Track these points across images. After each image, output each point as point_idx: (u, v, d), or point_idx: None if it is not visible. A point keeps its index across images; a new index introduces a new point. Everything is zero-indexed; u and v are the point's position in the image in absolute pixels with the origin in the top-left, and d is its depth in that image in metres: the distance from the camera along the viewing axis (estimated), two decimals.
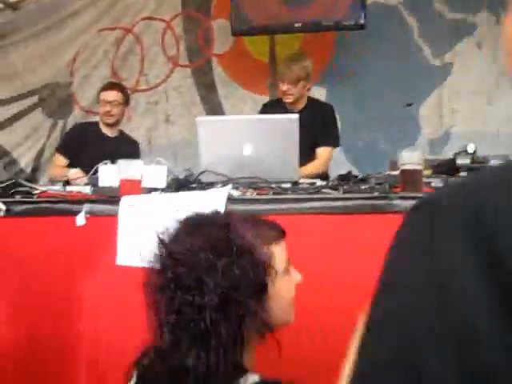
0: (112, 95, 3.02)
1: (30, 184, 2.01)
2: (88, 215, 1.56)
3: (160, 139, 4.32)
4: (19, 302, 1.59)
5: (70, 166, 2.92)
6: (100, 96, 3.10)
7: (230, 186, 1.60)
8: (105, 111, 3.01)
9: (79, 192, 1.94)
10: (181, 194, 1.55)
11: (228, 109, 4.21)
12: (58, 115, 4.46)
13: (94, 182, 1.97)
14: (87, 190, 1.99)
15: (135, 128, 4.32)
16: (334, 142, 2.99)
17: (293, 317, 0.99)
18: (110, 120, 3.03)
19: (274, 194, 1.63)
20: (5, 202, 1.68)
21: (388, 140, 4.03)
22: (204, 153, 1.77)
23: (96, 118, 3.40)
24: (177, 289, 0.86)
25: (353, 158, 4.06)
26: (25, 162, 4.52)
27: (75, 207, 1.60)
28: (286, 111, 2.88)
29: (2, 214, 1.65)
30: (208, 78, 4.23)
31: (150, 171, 1.86)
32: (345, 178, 3.89)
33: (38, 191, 1.92)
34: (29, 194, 1.89)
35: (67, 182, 2.61)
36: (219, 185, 1.73)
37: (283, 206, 1.47)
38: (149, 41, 4.31)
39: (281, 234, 1.00)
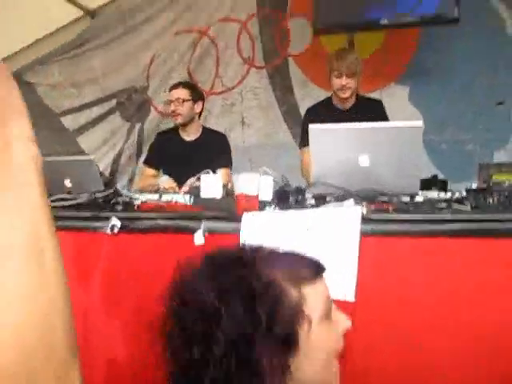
0: (175, 93, 2.87)
1: (129, 193, 2.01)
2: (206, 233, 1.52)
3: (235, 142, 4.26)
4: (136, 322, 1.58)
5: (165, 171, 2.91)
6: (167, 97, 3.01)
7: (351, 201, 1.51)
8: (170, 110, 2.89)
9: (177, 202, 1.92)
10: (308, 211, 1.47)
11: (305, 110, 4.09)
12: (136, 119, 4.54)
13: (194, 192, 1.93)
14: (187, 199, 1.97)
15: None
16: None
17: (334, 375, 0.79)
18: (178, 120, 2.87)
19: (398, 210, 1.54)
20: (119, 218, 1.68)
21: (477, 141, 3.80)
22: (315, 163, 1.69)
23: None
24: (182, 338, 0.73)
25: (437, 160, 3.85)
26: (103, 165, 4.63)
27: (192, 224, 1.56)
28: (336, 111, 2.85)
29: (116, 230, 1.65)
30: (284, 79, 4.16)
31: (252, 180, 1.81)
32: (430, 184, 3.74)
33: (138, 201, 1.91)
34: (129, 204, 1.89)
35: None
36: (332, 198, 1.65)
37: (418, 228, 1.37)
38: (224, 42, 4.28)
39: (317, 271, 0.81)
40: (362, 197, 1.59)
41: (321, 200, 1.69)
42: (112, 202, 1.89)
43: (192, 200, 1.85)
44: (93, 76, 4.63)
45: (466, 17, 3.36)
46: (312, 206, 1.60)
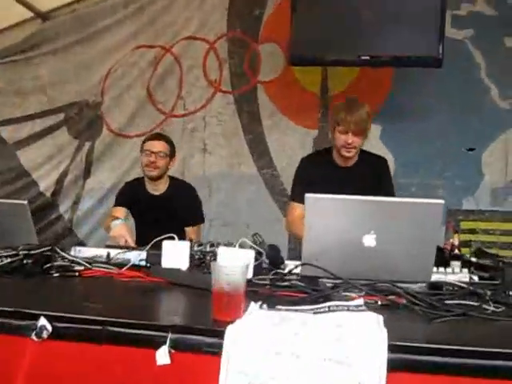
0: (158, 145, 2.74)
1: (69, 256, 1.64)
2: (173, 350, 1.00)
3: (195, 169, 3.97)
4: None
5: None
6: (144, 146, 2.77)
7: (361, 301, 1.22)
8: (149, 161, 2.68)
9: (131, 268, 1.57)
10: (316, 318, 1.14)
11: (272, 141, 3.86)
12: (85, 136, 4.12)
13: (153, 260, 1.60)
14: (141, 259, 1.65)
15: None
16: (394, 195, 2.60)
17: None
18: (154, 172, 2.71)
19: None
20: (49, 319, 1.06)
21: (446, 187, 3.69)
22: (309, 237, 1.41)
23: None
24: None
25: None
26: (45, 184, 4.18)
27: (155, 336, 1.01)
28: (335, 168, 2.50)
29: (45, 335, 1.05)
30: (252, 107, 3.89)
31: (232, 256, 1.51)
32: None
33: (81, 268, 1.56)
34: (68, 270, 1.54)
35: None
36: (325, 285, 1.37)
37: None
38: (189, 62, 3.96)
39: None
40: (367, 288, 1.32)
41: (313, 285, 1.40)
42: (45, 266, 1.53)
43: (153, 271, 1.53)
44: (39, 85, 4.17)
45: (443, 59, 3.24)
46: (313, 301, 1.27)
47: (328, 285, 1.39)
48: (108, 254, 1.75)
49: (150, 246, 1.64)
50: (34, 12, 3.99)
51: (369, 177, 2.46)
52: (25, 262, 1.52)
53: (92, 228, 4.13)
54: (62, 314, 1.04)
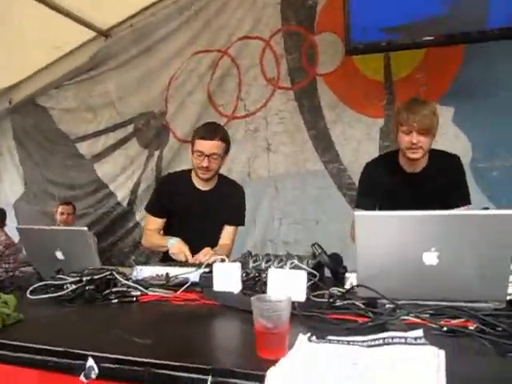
0: (212, 147, 2.32)
1: (128, 281, 1.67)
2: None
3: (260, 170, 3.95)
4: None
5: (166, 226, 2.51)
6: (195, 144, 2.35)
7: (420, 331, 1.10)
8: (201, 166, 2.34)
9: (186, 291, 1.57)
10: (371, 351, 1.07)
11: (336, 134, 3.73)
12: (154, 146, 4.26)
13: (205, 283, 1.57)
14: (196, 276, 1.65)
15: (233, 158, 4.00)
16: (468, 201, 2.33)
17: None
18: (207, 175, 2.39)
19: None
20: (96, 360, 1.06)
21: None
22: (363, 258, 1.32)
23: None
24: None
25: (488, 189, 3.42)
26: (121, 194, 4.39)
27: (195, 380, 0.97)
28: (402, 174, 2.29)
29: (93, 376, 1.05)
30: (313, 101, 3.78)
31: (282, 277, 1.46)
32: None
33: (138, 293, 1.58)
34: (126, 296, 1.57)
35: (166, 257, 2.29)
36: (385, 310, 1.27)
37: None
38: (246, 62, 3.94)
39: None
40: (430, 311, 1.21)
41: (372, 307, 1.30)
42: (105, 292, 1.58)
43: (205, 294, 1.52)
44: (108, 100, 4.39)
45: None
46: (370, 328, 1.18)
47: (388, 305, 1.29)
48: (167, 274, 1.78)
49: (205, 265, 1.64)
50: (96, 31, 4.16)
51: (439, 182, 2.23)
52: (87, 288, 1.58)
53: None
54: (108, 355, 1.06)
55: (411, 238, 1.28)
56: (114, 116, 4.40)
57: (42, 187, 4.87)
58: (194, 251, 2.18)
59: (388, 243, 1.30)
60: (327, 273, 2.07)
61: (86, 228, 1.85)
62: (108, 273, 1.66)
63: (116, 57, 4.28)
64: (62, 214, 4.15)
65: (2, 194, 5.01)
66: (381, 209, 2.34)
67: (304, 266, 1.52)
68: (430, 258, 1.27)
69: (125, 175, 4.38)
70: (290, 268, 1.51)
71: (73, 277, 1.67)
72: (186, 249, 2.16)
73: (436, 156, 2.30)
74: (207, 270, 1.63)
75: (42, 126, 4.69)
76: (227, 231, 2.48)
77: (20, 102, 4.67)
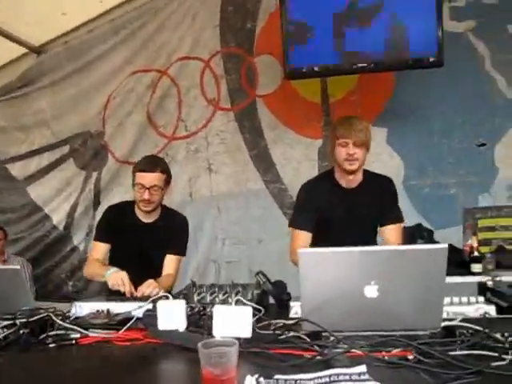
0: (152, 179, 2.32)
1: (66, 324, 1.59)
2: None
3: (202, 190, 3.94)
4: None
5: (112, 259, 2.49)
6: (136, 177, 2.34)
7: (364, 367, 1.13)
8: (143, 199, 2.32)
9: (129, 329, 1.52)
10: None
11: (277, 154, 3.80)
12: (92, 167, 4.13)
13: (149, 321, 1.53)
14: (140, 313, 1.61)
15: (175, 179, 3.94)
16: (401, 219, 2.46)
17: None
18: (149, 208, 2.37)
19: None
20: None
21: (460, 185, 3.57)
22: (306, 293, 1.35)
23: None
24: None
25: (420, 206, 3.61)
26: (58, 217, 4.21)
27: None
28: (339, 190, 2.39)
29: None
30: (253, 122, 3.83)
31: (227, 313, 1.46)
32: (415, 234, 3.47)
33: (77, 336, 1.52)
34: (64, 339, 1.50)
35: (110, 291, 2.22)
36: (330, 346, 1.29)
37: None
38: (186, 83, 3.93)
39: None
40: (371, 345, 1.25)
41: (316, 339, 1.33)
42: (41, 336, 1.50)
43: (151, 332, 1.49)
44: (42, 119, 4.21)
45: (444, 55, 3.11)
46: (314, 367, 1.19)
47: (332, 338, 1.32)
48: (108, 311, 1.72)
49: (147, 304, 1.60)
50: (27, 47, 4.00)
51: (374, 198, 2.36)
52: (21, 332, 1.50)
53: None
54: None
55: (353, 272, 1.33)
56: (47, 136, 4.23)
57: None
58: (140, 283, 2.13)
59: (331, 278, 1.33)
60: (272, 299, 2.10)
61: (18, 267, 1.76)
62: (44, 314, 1.58)
63: (49, 74, 4.12)
64: None
65: None
66: (317, 225, 2.41)
67: (248, 303, 1.52)
68: (371, 291, 1.32)
69: (61, 197, 4.20)
70: (236, 304, 1.51)
71: (5, 319, 1.58)
72: (126, 279, 2.10)
73: (370, 175, 2.44)
74: (150, 306, 1.60)
75: None
76: (170, 261, 2.45)
77: None
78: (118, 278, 2.13)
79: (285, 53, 3.18)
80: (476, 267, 3.21)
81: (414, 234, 3.44)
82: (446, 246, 1.28)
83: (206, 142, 3.91)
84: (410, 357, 1.22)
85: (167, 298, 1.56)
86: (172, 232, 2.45)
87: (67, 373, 1.28)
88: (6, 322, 1.56)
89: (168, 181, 2.44)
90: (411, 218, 3.56)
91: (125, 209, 2.51)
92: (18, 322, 1.55)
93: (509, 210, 3.48)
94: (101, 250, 2.47)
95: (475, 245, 3.24)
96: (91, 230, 4.17)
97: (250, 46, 3.83)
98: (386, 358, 1.22)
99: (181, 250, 2.50)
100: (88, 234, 4.14)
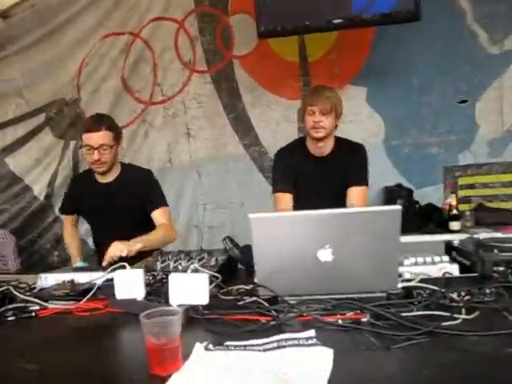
0: (98, 138, 2.26)
1: (25, 296, 1.57)
2: None
3: (182, 156, 3.88)
4: None
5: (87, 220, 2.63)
6: (83, 139, 2.29)
7: (313, 332, 1.13)
8: (93, 160, 2.29)
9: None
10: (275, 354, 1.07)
11: (255, 117, 3.73)
12: (69, 135, 4.04)
13: (107, 292, 1.53)
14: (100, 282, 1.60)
15: (154, 145, 3.90)
16: (364, 182, 2.43)
17: None
18: (102, 168, 2.34)
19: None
20: None
21: (440, 143, 3.53)
22: (260, 259, 1.33)
23: None
24: None
25: (400, 165, 3.58)
26: (38, 188, 4.15)
27: None
28: (310, 158, 2.41)
29: None
30: (230, 84, 3.74)
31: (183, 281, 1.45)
32: (394, 193, 3.45)
33: (36, 308, 1.51)
34: (24, 311, 1.49)
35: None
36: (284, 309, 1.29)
37: None
38: (160, 45, 3.80)
39: None
40: (325, 309, 1.25)
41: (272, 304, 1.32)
42: (0, 309, 1.49)
43: (110, 302, 1.48)
44: (14, 87, 4.08)
45: (424, 10, 3.01)
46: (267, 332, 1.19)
47: (290, 302, 1.31)
48: (72, 281, 1.71)
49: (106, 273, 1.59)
50: None
51: (343, 167, 2.37)
52: None
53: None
54: None
55: (306, 236, 1.31)
56: (22, 105, 4.11)
57: None
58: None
59: (284, 242, 1.32)
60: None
61: None
62: (5, 287, 1.57)
63: (18, 40, 3.96)
64: None
65: None
66: (294, 194, 2.42)
67: (202, 269, 1.51)
68: (325, 255, 1.30)
69: (40, 167, 4.13)
70: (192, 272, 1.50)
71: None
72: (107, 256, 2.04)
73: (342, 143, 2.45)
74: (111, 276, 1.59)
75: None
76: (157, 215, 2.41)
77: None
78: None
79: (258, 10, 3.07)
80: (454, 225, 3.23)
81: (393, 194, 3.44)
82: (400, 207, 1.26)
83: (183, 106, 3.82)
84: (364, 319, 1.23)
85: (124, 267, 1.54)
86: (138, 187, 2.40)
87: (26, 345, 1.27)
88: None
89: (117, 137, 2.37)
90: (392, 177, 3.56)
91: (85, 175, 2.52)
92: None
93: (488, 167, 3.47)
94: (68, 221, 2.65)
95: (454, 203, 3.25)
96: None
97: (225, 5, 3.69)
98: (339, 321, 1.22)
99: (160, 202, 2.45)
100: None
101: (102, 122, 2.32)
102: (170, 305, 1.34)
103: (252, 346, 1.13)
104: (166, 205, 2.48)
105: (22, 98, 4.09)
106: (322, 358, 1.03)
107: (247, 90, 3.72)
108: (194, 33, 3.75)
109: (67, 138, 4.06)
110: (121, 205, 2.39)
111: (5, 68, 4.02)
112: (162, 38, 3.79)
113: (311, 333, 1.14)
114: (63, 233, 2.76)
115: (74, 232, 2.67)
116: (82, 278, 1.75)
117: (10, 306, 1.50)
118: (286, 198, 2.42)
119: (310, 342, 1.11)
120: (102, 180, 2.43)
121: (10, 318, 1.46)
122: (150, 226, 2.39)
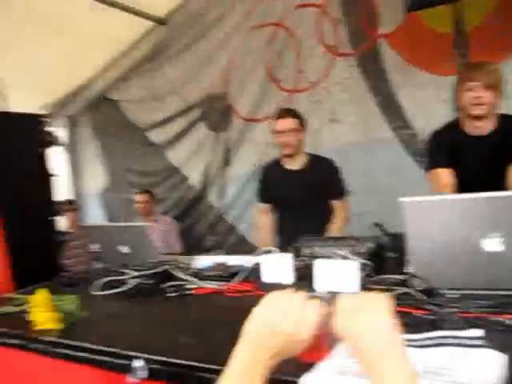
0: (285, 123, 2.70)
1: (183, 276, 1.70)
2: None
3: (327, 142, 3.82)
4: None
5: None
6: (274, 127, 2.76)
7: (481, 332, 0.99)
8: (281, 141, 2.71)
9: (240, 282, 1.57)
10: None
11: (406, 99, 3.49)
12: (221, 127, 4.28)
13: (255, 275, 1.57)
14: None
15: None
16: None
17: None
18: (289, 150, 2.72)
19: None
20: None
21: None
22: (414, 247, 1.22)
23: None
24: None
25: None
26: (193, 178, 4.49)
27: None
28: (466, 138, 2.16)
29: (141, 376, 1.09)
30: (377, 65, 3.56)
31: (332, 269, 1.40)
32: None
33: (194, 286, 1.61)
34: (182, 289, 1.60)
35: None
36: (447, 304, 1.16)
37: None
38: (303, 32, 3.78)
39: None
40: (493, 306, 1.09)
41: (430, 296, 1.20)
42: (162, 286, 1.63)
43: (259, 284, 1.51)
44: (172, 87, 4.46)
45: None
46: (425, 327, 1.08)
47: (448, 296, 1.19)
48: (223, 264, 1.80)
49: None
50: (153, 20, 4.21)
51: (506, 147, 2.07)
52: (146, 282, 1.65)
53: (240, 212, 4.31)
54: (154, 357, 1.09)
55: (467, 223, 1.16)
56: (179, 102, 4.47)
57: (123, 176, 5.11)
58: (299, 231, 2.10)
59: (440, 230, 1.19)
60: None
61: (146, 224, 1.92)
62: (166, 267, 1.71)
63: (175, 43, 4.31)
64: (137, 203, 4.27)
65: (85, 185, 5.34)
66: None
67: (352, 257, 1.44)
68: (492, 244, 1.14)
69: (196, 159, 4.46)
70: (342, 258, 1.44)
71: (135, 270, 1.74)
72: None
73: (507, 120, 2.11)
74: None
75: (115, 118, 4.88)
76: (338, 207, 2.76)
77: (93, 98, 4.89)
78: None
79: None
80: None
81: None
82: None
83: (327, 91, 3.76)
84: None
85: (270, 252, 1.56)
86: (322, 175, 2.71)
87: (180, 321, 1.37)
88: (134, 273, 1.73)
89: (301, 124, 2.77)
90: None
91: (272, 164, 2.90)
92: (143, 273, 1.70)
93: None
94: (263, 209, 2.91)
95: None
96: (224, 188, 4.38)
97: None
98: (506, 321, 1.06)
99: (341, 191, 2.78)
100: (221, 192, 4.36)
101: (288, 111, 2.80)
102: (315, 291, 1.31)
103: (408, 341, 1.04)
104: (347, 194, 2.81)
105: (179, 96, 4.44)
106: (492, 364, 0.89)
107: (395, 70, 3.49)
108: (336, 15, 3.65)
109: (218, 130, 4.31)
110: (306, 192, 2.69)
111: (165, 70, 4.40)
112: (304, 24, 3.77)
113: (478, 332, 1.00)
114: (255, 220, 3.06)
115: (268, 220, 2.90)
116: (233, 260, 1.82)
117: (170, 284, 1.63)
118: (445, 173, 2.20)
119: (475, 342, 0.97)
120: (291, 167, 2.78)
121: (171, 294, 1.58)
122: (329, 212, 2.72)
